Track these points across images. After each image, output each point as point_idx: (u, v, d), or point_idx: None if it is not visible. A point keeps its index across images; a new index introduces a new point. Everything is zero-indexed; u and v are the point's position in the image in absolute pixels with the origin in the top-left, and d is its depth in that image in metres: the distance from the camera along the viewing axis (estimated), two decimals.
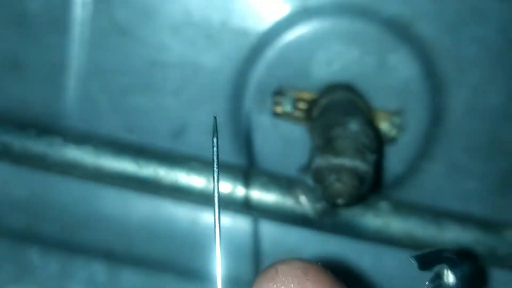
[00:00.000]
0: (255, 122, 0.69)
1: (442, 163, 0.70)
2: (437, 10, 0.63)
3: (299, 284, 0.26)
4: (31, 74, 0.69)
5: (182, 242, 0.72)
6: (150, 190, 0.62)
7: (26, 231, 0.71)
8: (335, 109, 0.60)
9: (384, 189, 0.71)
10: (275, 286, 0.27)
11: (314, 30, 0.64)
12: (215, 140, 0.29)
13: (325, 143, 0.51)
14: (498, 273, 0.69)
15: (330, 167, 0.49)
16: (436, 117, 0.67)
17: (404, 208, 0.61)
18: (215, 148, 0.29)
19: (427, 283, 0.28)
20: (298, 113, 0.67)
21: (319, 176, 0.50)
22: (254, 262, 0.74)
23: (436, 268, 0.28)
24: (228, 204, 0.62)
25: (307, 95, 0.66)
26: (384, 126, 0.66)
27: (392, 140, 0.67)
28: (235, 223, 0.74)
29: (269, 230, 0.74)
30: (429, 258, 0.28)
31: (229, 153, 0.71)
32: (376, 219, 0.60)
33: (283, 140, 0.70)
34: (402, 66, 0.65)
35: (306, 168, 0.60)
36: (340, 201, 0.49)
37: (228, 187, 0.61)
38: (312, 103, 0.66)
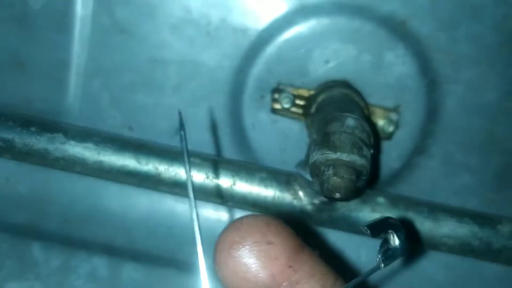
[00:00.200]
0: (254, 119, 0.70)
1: (438, 159, 0.71)
2: (433, 7, 0.64)
3: (261, 234, 0.30)
4: (32, 72, 0.70)
5: (183, 238, 0.73)
6: (151, 186, 0.63)
7: (27, 226, 0.72)
8: (333, 105, 0.61)
9: (381, 185, 0.72)
10: (240, 235, 0.30)
11: (312, 28, 0.65)
12: (182, 133, 0.31)
13: (322, 138, 0.52)
14: (494, 267, 0.70)
15: (328, 161, 0.50)
16: (432, 113, 0.68)
17: (401, 202, 0.62)
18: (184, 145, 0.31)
19: (377, 248, 0.32)
20: (296, 110, 0.68)
21: (316, 170, 0.51)
22: None
23: (384, 234, 0.32)
24: (227, 199, 0.62)
25: (305, 92, 0.67)
26: (380, 122, 0.67)
27: (389, 136, 0.68)
28: (234, 218, 0.75)
29: None
30: (377, 227, 0.32)
31: (228, 149, 0.72)
32: (373, 213, 0.61)
33: (282, 136, 0.71)
34: (398, 63, 0.66)
35: (304, 163, 0.61)
36: (337, 195, 0.50)
37: (226, 182, 0.62)
38: (310, 100, 0.67)
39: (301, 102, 0.67)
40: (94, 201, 0.73)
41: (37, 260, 0.69)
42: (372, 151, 0.52)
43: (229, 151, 0.72)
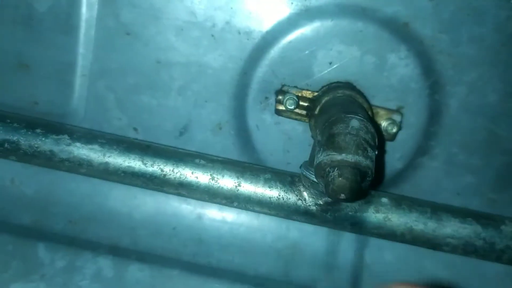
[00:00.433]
0: (258, 120, 0.70)
1: (440, 160, 0.71)
2: (435, 9, 0.64)
3: None
4: (37, 73, 0.70)
5: (187, 238, 0.74)
6: (156, 187, 0.63)
7: (32, 228, 0.72)
8: (336, 107, 0.61)
9: (384, 185, 0.73)
10: None
11: (316, 30, 0.65)
12: None
13: (327, 139, 0.53)
14: (497, 267, 0.71)
15: (333, 162, 0.50)
16: (434, 114, 0.69)
17: (404, 203, 0.63)
18: None
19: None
20: (300, 111, 0.68)
21: (321, 171, 0.52)
22: (256, 257, 0.75)
23: None
24: (232, 200, 0.63)
25: (308, 93, 0.68)
26: (384, 123, 0.68)
27: (392, 137, 0.69)
28: (239, 219, 0.75)
29: (272, 224, 0.76)
30: None
31: (233, 150, 0.72)
32: (377, 214, 0.62)
33: (285, 137, 0.71)
34: (401, 65, 0.66)
35: (309, 164, 0.62)
36: (342, 196, 0.50)
37: (232, 183, 0.62)
38: (313, 101, 0.67)
39: (305, 104, 0.67)
40: (99, 202, 0.73)
41: (42, 261, 0.69)
42: (376, 152, 0.53)
43: (233, 152, 0.72)
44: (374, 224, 0.62)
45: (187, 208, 0.75)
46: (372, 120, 0.64)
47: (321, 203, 0.62)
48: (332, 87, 0.67)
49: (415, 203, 0.63)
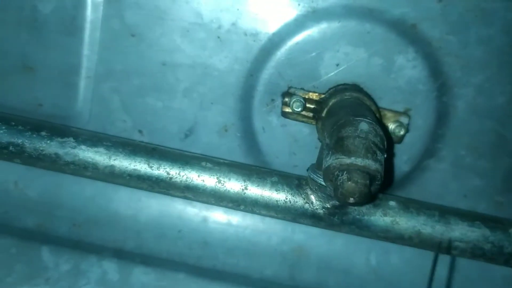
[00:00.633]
0: (264, 122, 0.70)
1: (447, 162, 0.71)
2: (443, 11, 0.64)
3: None
4: (42, 75, 0.70)
5: (192, 241, 0.73)
6: (162, 190, 0.63)
7: (37, 231, 0.71)
8: (344, 109, 0.61)
9: (391, 187, 0.73)
10: None
11: (323, 32, 0.65)
12: None
13: (336, 142, 0.52)
14: (506, 271, 0.70)
15: (342, 166, 0.50)
16: (442, 116, 0.68)
17: (412, 206, 0.62)
18: None
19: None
20: (306, 113, 0.68)
21: (330, 175, 0.51)
22: (261, 259, 0.75)
23: None
24: (239, 203, 0.62)
25: (315, 96, 0.67)
26: (391, 125, 0.67)
27: (400, 139, 0.68)
28: (244, 221, 0.75)
29: (277, 227, 0.75)
30: None
31: (239, 152, 0.72)
32: (385, 217, 0.61)
33: (291, 139, 0.71)
34: (409, 67, 0.66)
35: (316, 167, 0.61)
36: (351, 200, 0.50)
37: (238, 186, 0.62)
38: (320, 103, 0.67)
39: (311, 106, 0.67)
40: (103, 205, 0.73)
41: (46, 264, 0.69)
42: (385, 155, 0.52)
43: (239, 155, 0.72)
44: (381, 228, 0.62)
45: (192, 210, 0.74)
46: (380, 123, 0.63)
47: (329, 206, 0.61)
48: (339, 89, 0.66)
49: (423, 206, 0.63)
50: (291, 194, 0.62)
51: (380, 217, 0.62)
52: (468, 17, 0.64)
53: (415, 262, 0.74)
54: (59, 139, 0.63)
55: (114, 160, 0.62)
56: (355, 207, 0.61)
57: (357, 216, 0.62)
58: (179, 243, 0.73)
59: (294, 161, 0.72)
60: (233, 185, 0.62)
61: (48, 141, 0.62)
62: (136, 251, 0.71)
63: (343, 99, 0.64)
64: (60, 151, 0.62)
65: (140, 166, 0.62)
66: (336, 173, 0.51)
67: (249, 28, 0.65)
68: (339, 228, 0.63)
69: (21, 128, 0.63)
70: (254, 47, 0.66)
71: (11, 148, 0.62)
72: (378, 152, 0.51)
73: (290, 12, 0.65)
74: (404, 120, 0.67)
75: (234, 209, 0.64)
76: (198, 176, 0.62)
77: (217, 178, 0.62)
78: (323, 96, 0.67)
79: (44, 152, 0.62)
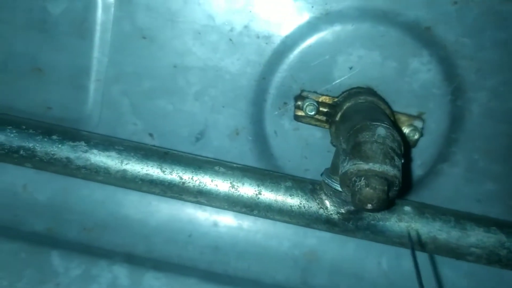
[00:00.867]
0: (276, 126, 0.69)
1: (461, 166, 0.70)
2: (458, 14, 0.63)
3: None
4: (52, 78, 0.69)
5: (203, 246, 0.73)
6: (174, 195, 0.62)
7: (46, 235, 0.71)
8: (359, 113, 0.60)
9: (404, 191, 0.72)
10: None
11: (336, 35, 0.64)
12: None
13: (353, 148, 0.51)
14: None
15: (359, 172, 0.49)
16: (456, 120, 0.67)
17: (428, 211, 0.61)
18: None
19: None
20: (319, 117, 0.67)
21: (347, 181, 0.50)
22: (273, 264, 0.74)
23: None
24: (252, 208, 0.62)
25: (328, 99, 0.66)
26: (405, 129, 0.67)
27: (414, 143, 0.67)
28: (255, 226, 0.74)
29: (288, 231, 0.74)
30: None
31: (250, 156, 0.71)
32: (400, 223, 0.61)
33: (303, 143, 0.70)
34: (423, 70, 0.65)
35: (330, 171, 0.60)
36: (369, 206, 0.49)
37: (252, 191, 0.61)
38: (334, 107, 0.66)
39: (324, 110, 0.66)
40: (113, 209, 0.72)
41: (56, 269, 0.68)
42: (403, 161, 0.52)
43: (250, 158, 0.71)
44: (397, 233, 0.61)
45: (202, 215, 0.73)
46: (397, 127, 0.63)
47: (343, 211, 0.60)
48: (352, 92, 0.66)
49: (439, 212, 0.62)
50: (305, 199, 0.61)
51: (396, 223, 0.61)
52: (483, 20, 0.63)
53: (425, 267, 0.74)
54: (71, 143, 0.62)
55: (126, 164, 0.61)
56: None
57: (372, 222, 0.61)
58: (189, 248, 0.72)
59: (306, 165, 0.71)
60: (247, 190, 0.61)
61: (59, 145, 0.62)
62: (146, 256, 0.71)
63: (357, 102, 0.63)
64: (72, 155, 0.62)
65: (152, 170, 0.61)
66: (353, 179, 0.50)
67: (262, 31, 0.65)
68: (353, 234, 0.63)
69: (32, 132, 0.62)
70: (266, 50, 0.65)
71: (22, 152, 0.62)
72: (395, 157, 0.51)
73: (303, 15, 0.64)
74: (418, 124, 0.67)
75: (247, 214, 0.63)
76: (212, 180, 0.61)
77: (231, 183, 0.61)
78: (336, 99, 0.66)
79: (55, 156, 0.62)
